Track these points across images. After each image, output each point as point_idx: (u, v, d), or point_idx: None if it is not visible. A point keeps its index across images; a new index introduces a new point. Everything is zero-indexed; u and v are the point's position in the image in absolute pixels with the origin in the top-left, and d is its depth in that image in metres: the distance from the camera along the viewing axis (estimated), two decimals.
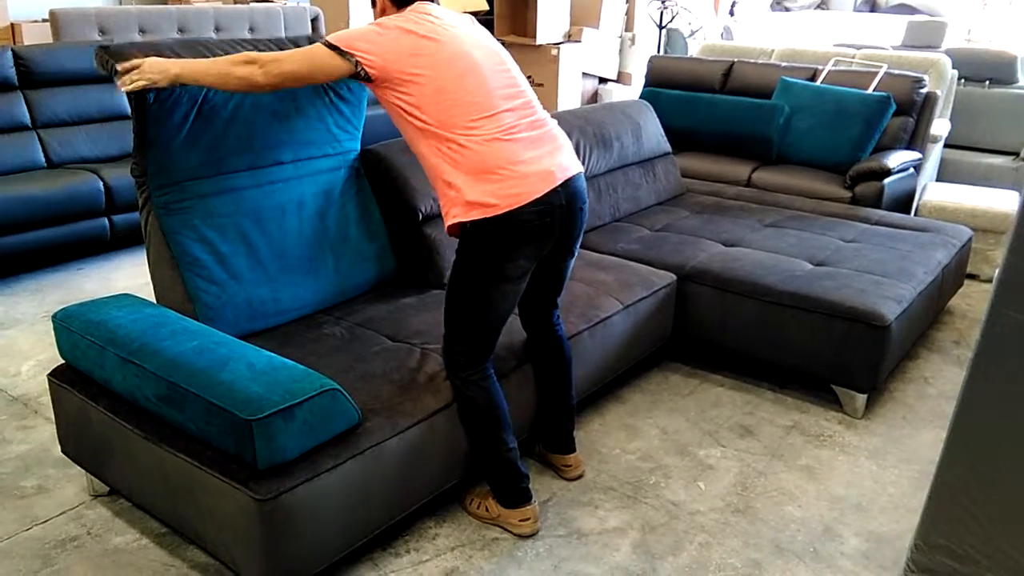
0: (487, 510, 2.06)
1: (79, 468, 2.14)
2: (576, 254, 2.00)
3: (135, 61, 1.81)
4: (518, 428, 2.09)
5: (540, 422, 2.24)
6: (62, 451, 2.13)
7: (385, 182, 2.52)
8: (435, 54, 1.76)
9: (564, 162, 1.85)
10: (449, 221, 1.82)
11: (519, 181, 1.75)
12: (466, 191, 1.75)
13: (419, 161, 1.87)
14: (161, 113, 1.98)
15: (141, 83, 1.79)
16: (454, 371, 1.93)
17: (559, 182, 1.80)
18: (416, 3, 1.84)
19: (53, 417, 2.13)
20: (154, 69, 1.79)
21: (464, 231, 1.81)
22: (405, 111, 1.78)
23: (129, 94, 1.86)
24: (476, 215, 1.75)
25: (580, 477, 2.25)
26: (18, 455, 2.33)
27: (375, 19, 1.86)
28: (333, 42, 1.75)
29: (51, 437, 2.37)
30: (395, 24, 1.79)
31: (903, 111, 3.89)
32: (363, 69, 1.75)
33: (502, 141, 1.77)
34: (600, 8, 6.44)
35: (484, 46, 1.86)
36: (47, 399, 2.57)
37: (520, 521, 2.01)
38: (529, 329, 2.14)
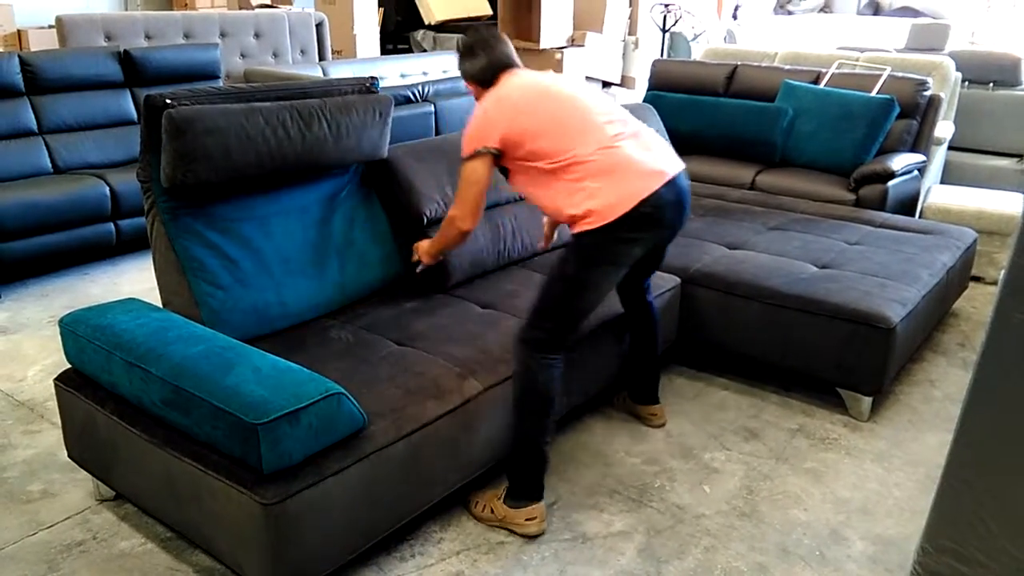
0: (492, 512, 2.07)
1: (85, 473, 2.15)
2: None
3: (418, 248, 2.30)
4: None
5: (630, 378, 2.54)
6: (68, 456, 2.13)
7: (391, 186, 2.53)
8: (534, 106, 1.98)
9: (669, 161, 2.03)
10: (572, 229, 1.98)
11: (635, 180, 1.93)
12: (586, 211, 1.91)
13: (543, 208, 2.09)
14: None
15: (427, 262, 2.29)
16: (531, 350, 1.97)
17: (668, 178, 1.97)
18: (501, 76, 2.07)
19: (59, 422, 2.13)
20: (427, 252, 2.28)
21: (583, 238, 1.95)
22: (528, 162, 1.99)
23: (139, 106, 1.90)
24: (602, 221, 1.90)
25: (663, 425, 2.52)
26: (24, 460, 2.34)
27: (476, 102, 2.09)
28: (468, 153, 2.00)
29: (57, 442, 2.38)
30: (494, 99, 2.02)
31: (907, 114, 3.88)
32: (493, 153, 1.98)
33: (612, 148, 1.95)
34: (604, 12, 6.46)
35: (569, 82, 2.09)
36: (53, 404, 2.57)
37: (526, 520, 2.02)
38: (625, 303, 2.40)
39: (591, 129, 1.96)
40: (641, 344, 2.44)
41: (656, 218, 1.95)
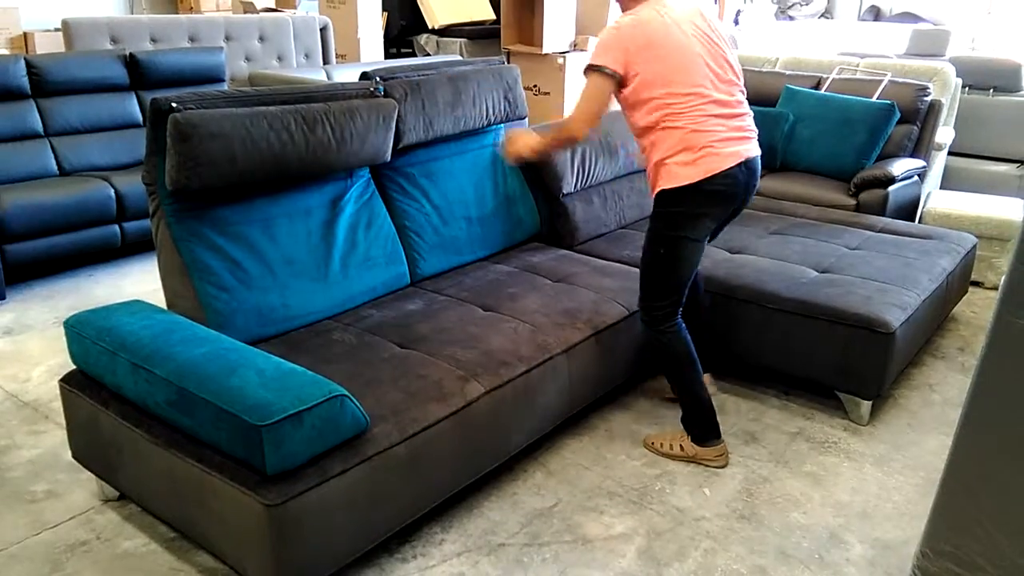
0: (682, 448, 2.34)
1: (89, 473, 2.16)
2: None
3: (509, 135, 2.42)
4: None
5: None
6: (72, 456, 2.15)
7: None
8: (661, 42, 2.08)
9: (750, 144, 2.19)
10: (653, 186, 2.17)
11: (716, 157, 2.09)
12: (666, 168, 2.11)
13: (637, 139, 2.22)
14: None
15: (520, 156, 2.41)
16: (655, 327, 2.25)
17: (743, 159, 2.14)
18: (641, 9, 2.14)
19: (64, 422, 2.15)
20: (533, 148, 2.36)
21: (664, 197, 2.14)
22: (635, 90, 2.10)
23: (144, 110, 1.95)
24: (679, 182, 2.09)
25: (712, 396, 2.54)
26: (29, 460, 2.35)
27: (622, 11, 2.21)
28: (594, 63, 2.10)
29: (61, 442, 2.40)
30: (632, 21, 2.11)
31: (907, 119, 3.90)
32: (613, 75, 2.09)
33: (705, 119, 2.08)
34: (606, 17, 6.47)
35: (703, 35, 2.15)
36: (58, 404, 2.59)
37: (716, 456, 2.32)
38: None
39: (695, 94, 2.08)
40: (690, 314, 2.50)
41: (728, 194, 2.14)
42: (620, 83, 2.12)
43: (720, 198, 2.14)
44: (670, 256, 2.18)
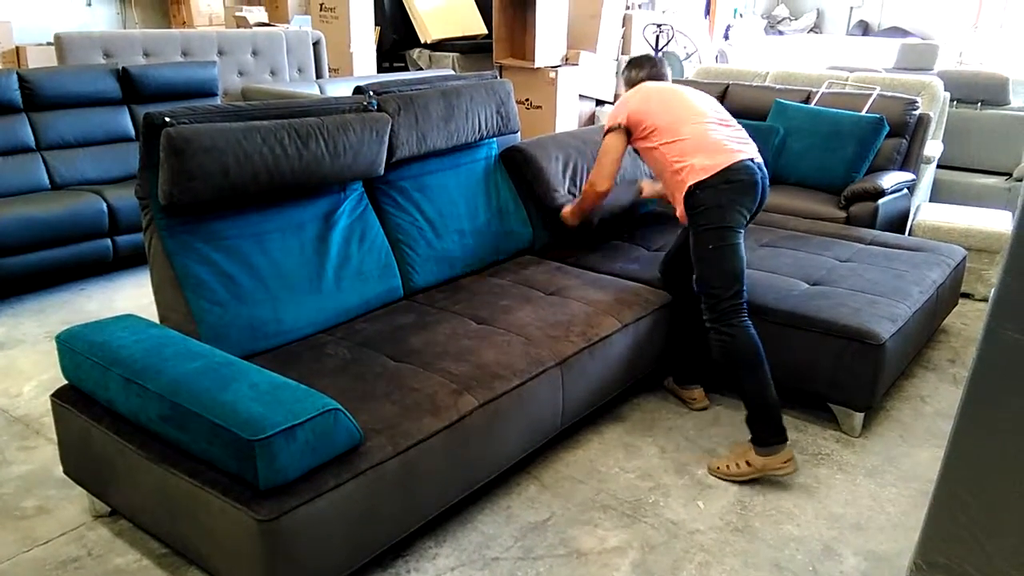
0: (748, 464, 2.32)
1: (80, 489, 2.14)
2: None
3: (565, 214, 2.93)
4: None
5: (674, 360, 2.79)
6: (64, 472, 2.13)
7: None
8: (657, 97, 2.53)
9: (754, 151, 2.46)
10: (681, 193, 2.39)
11: (726, 153, 2.37)
12: (690, 167, 2.37)
13: (657, 175, 2.57)
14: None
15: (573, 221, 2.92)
16: (724, 323, 2.32)
17: (747, 156, 2.39)
18: (641, 84, 2.63)
19: (55, 437, 2.13)
20: (572, 213, 2.90)
21: (694, 197, 2.35)
22: (647, 140, 2.49)
23: (137, 124, 1.99)
24: (701, 175, 2.34)
25: (704, 409, 2.74)
26: (19, 475, 2.34)
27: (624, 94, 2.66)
28: (607, 128, 2.56)
29: (53, 457, 2.38)
30: (633, 91, 2.59)
31: (896, 132, 3.94)
32: (624, 128, 2.52)
33: (709, 131, 2.43)
34: (597, 32, 6.52)
35: (693, 92, 2.60)
36: (49, 419, 2.57)
37: (784, 463, 2.29)
38: (673, 287, 2.72)
39: (693, 121, 2.44)
40: (685, 326, 2.68)
41: (749, 183, 2.36)
42: (630, 136, 2.53)
43: (743, 188, 2.35)
44: (719, 248, 2.33)
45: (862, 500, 2.29)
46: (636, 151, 2.61)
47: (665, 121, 2.45)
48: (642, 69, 2.72)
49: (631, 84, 2.70)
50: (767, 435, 2.31)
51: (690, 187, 2.35)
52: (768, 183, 2.47)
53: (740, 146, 2.42)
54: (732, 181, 2.33)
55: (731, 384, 2.42)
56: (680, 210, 2.44)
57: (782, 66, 4.84)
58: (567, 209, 2.90)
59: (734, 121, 2.55)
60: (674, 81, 2.96)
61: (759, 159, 2.45)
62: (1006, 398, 1.12)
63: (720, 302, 2.33)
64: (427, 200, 2.78)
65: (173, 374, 1.77)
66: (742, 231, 2.37)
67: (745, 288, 2.35)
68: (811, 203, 3.81)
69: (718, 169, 2.33)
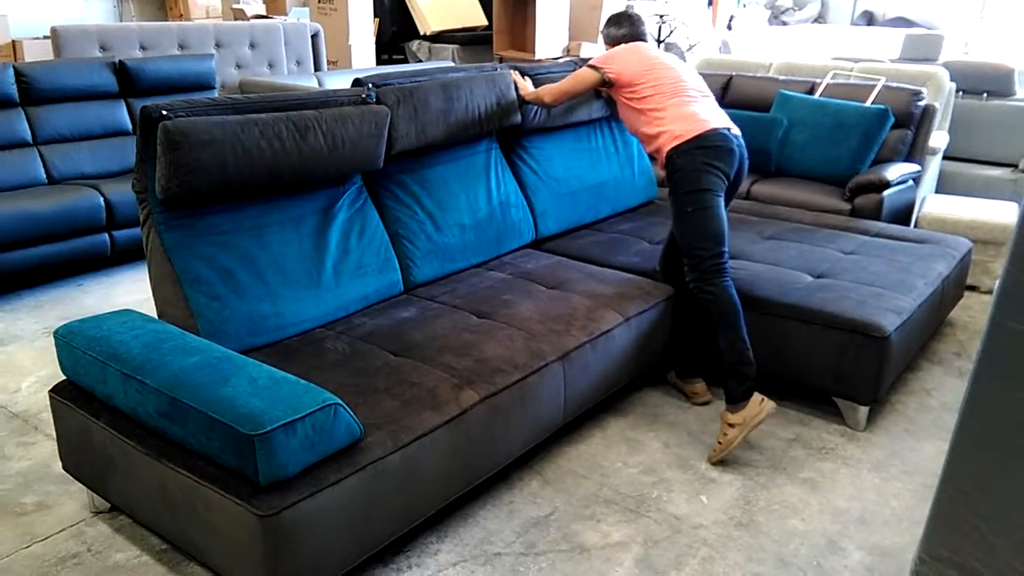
0: (731, 427, 2.34)
1: (80, 485, 2.13)
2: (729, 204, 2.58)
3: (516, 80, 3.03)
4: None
5: (677, 353, 2.77)
6: (63, 468, 2.12)
7: None
8: (649, 62, 2.62)
9: (727, 122, 2.54)
10: (663, 155, 2.49)
11: (698, 121, 2.47)
12: (668, 131, 2.48)
13: (635, 133, 2.66)
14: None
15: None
16: (709, 280, 2.39)
17: (727, 126, 2.50)
18: (632, 44, 2.73)
19: (54, 433, 2.13)
20: (524, 90, 3.00)
21: (672, 161, 2.45)
22: (631, 100, 2.61)
23: (134, 117, 2.00)
24: (677, 141, 2.44)
25: (706, 403, 2.71)
26: (18, 472, 2.33)
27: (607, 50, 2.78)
28: (590, 64, 2.68)
29: (52, 453, 2.37)
30: (629, 46, 2.71)
31: (901, 123, 3.90)
32: (607, 77, 2.63)
33: (685, 104, 2.53)
34: (598, 23, 6.48)
35: (677, 62, 2.69)
36: (48, 415, 2.56)
37: (759, 405, 2.34)
38: (673, 281, 2.71)
39: (677, 91, 2.55)
40: (688, 320, 2.70)
41: (726, 149, 2.44)
42: (608, 83, 2.63)
43: (719, 152, 2.43)
44: (698, 211, 2.41)
45: (867, 494, 2.27)
46: (611, 99, 2.73)
47: (652, 87, 2.56)
48: (621, 27, 2.79)
49: (613, 42, 2.77)
50: (740, 393, 2.36)
51: (668, 152, 2.46)
52: (747, 154, 2.55)
53: (716, 117, 2.52)
54: (706, 147, 2.42)
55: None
56: (660, 164, 2.55)
57: (786, 57, 4.81)
58: (527, 88, 3.00)
59: (711, 95, 2.66)
60: None
61: (736, 131, 2.54)
62: (1011, 391, 1.11)
63: (702, 262, 2.40)
64: (427, 193, 2.76)
65: (172, 369, 1.75)
66: (720, 195, 2.44)
67: (727, 249, 2.43)
68: (815, 195, 3.78)
69: (694, 135, 2.43)
